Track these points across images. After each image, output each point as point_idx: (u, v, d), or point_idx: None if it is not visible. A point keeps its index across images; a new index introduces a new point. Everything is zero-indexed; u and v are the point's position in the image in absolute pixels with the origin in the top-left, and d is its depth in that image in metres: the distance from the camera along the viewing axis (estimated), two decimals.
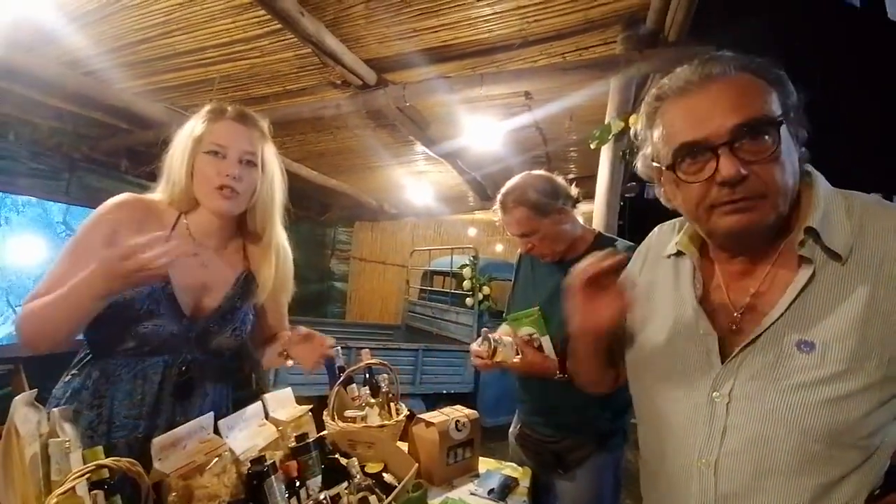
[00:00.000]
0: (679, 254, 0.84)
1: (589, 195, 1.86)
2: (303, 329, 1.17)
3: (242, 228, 1.15)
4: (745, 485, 0.66)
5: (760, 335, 0.68)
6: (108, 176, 3.78)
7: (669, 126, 0.71)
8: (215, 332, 1.07)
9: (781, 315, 0.67)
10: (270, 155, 1.12)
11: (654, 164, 0.76)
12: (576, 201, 1.43)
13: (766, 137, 0.64)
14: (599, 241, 1.46)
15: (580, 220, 1.47)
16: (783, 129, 0.65)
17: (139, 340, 0.99)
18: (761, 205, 0.66)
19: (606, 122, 2.32)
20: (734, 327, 0.72)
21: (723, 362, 0.71)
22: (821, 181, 0.72)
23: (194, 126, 1.04)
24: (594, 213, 2.35)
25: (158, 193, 1.08)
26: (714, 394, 0.70)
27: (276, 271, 1.15)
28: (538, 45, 2.54)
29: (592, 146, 2.32)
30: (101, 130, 3.59)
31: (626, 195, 3.09)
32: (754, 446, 0.66)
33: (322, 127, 3.89)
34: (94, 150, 3.70)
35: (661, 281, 0.86)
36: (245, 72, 2.91)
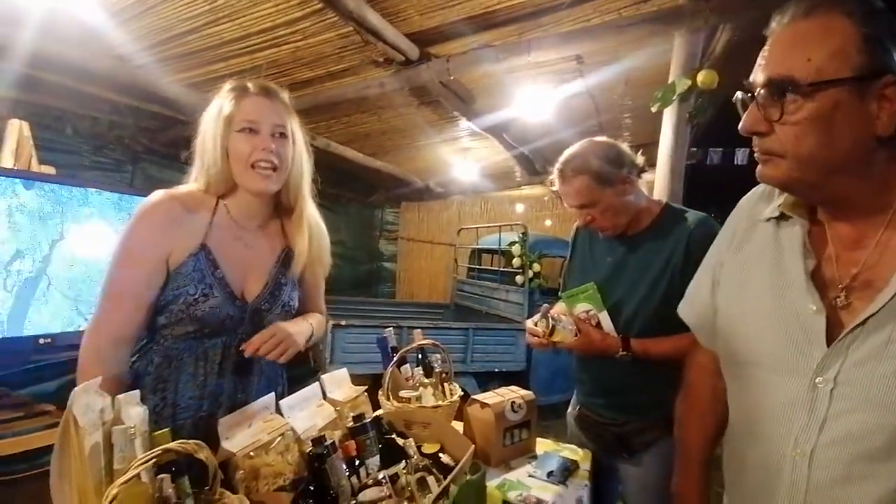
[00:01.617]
0: (782, 218, 0.74)
1: (648, 164, 1.71)
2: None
3: (278, 206, 1.15)
4: (840, 474, 0.62)
5: (874, 315, 0.60)
6: (170, 167, 3.96)
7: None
8: (266, 310, 1.09)
9: None
10: (297, 127, 1.10)
11: None
12: (641, 170, 1.31)
13: (789, 98, 0.61)
14: (667, 214, 1.33)
15: (644, 190, 1.35)
16: (842, 92, 0.58)
17: (199, 324, 1.02)
18: (779, 163, 0.65)
19: (670, 80, 2.12)
20: (842, 304, 0.64)
21: (828, 344, 0.63)
22: None
23: (221, 106, 1.02)
24: (656, 180, 2.18)
25: (192, 183, 1.07)
26: (818, 379, 0.64)
27: (310, 244, 1.15)
28: (590, 1, 2.34)
29: (654, 109, 2.14)
30: (158, 122, 3.77)
31: (687, 162, 2.86)
32: (855, 435, 0.61)
33: (366, 107, 3.88)
34: (153, 141, 3.90)
35: (758, 250, 0.76)
36: (289, 56, 2.92)
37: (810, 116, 0.60)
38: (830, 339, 0.64)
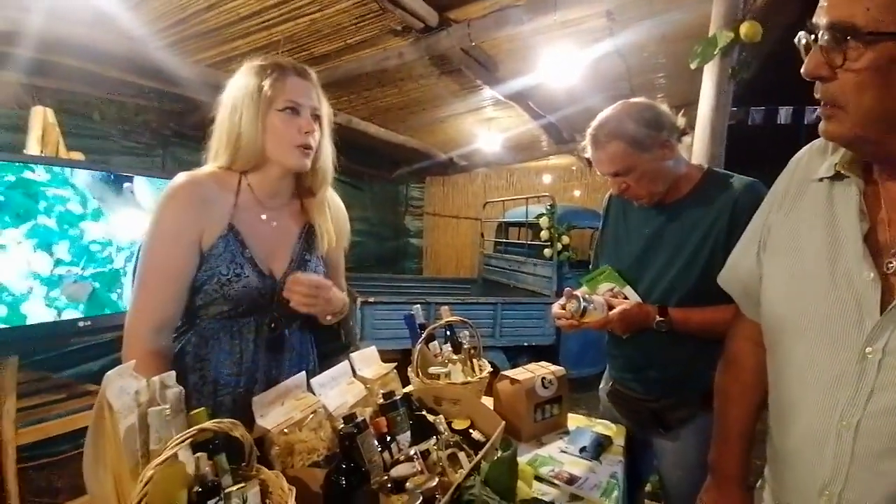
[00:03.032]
0: (837, 177, 0.69)
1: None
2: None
3: (298, 184, 1.16)
4: (885, 447, 0.61)
5: None
6: (199, 149, 3.96)
7: None
8: None
9: None
10: (326, 107, 1.12)
11: None
12: (682, 133, 1.22)
13: (850, 44, 0.58)
14: (709, 180, 1.24)
15: (684, 155, 1.26)
16: (890, 45, 0.55)
17: (233, 303, 1.03)
18: (843, 118, 0.62)
19: (710, 34, 1.96)
20: (894, 270, 0.62)
21: (881, 312, 0.61)
22: None
23: (259, 84, 1.01)
24: (694, 143, 2.04)
25: (214, 161, 1.07)
26: (867, 349, 0.61)
27: (332, 225, 1.17)
28: None
29: (693, 65, 1.98)
30: (183, 105, 3.80)
31: (727, 122, 2.68)
32: None
33: (386, 80, 3.80)
34: (181, 125, 3.94)
35: (810, 211, 0.72)
36: (306, 29, 2.86)
37: (871, 66, 0.58)
38: (882, 307, 0.62)
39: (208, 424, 0.69)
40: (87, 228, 2.00)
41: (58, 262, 1.89)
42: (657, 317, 1.19)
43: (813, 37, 0.62)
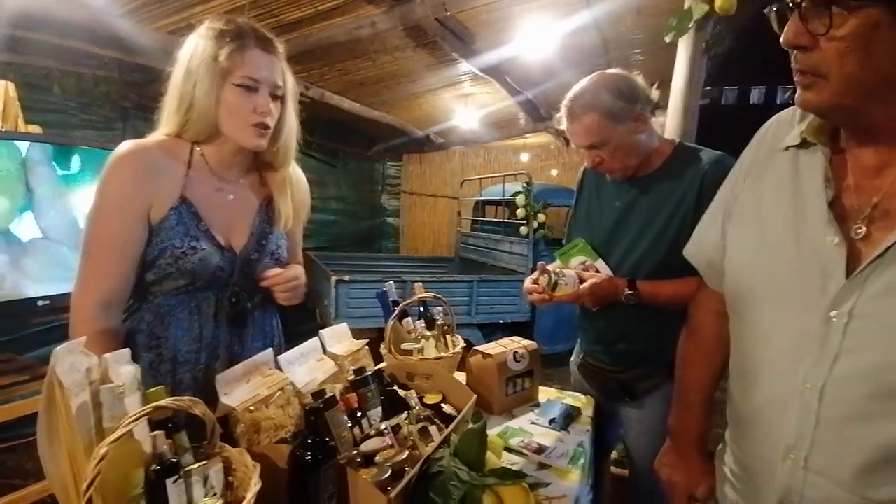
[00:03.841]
0: (803, 145, 0.70)
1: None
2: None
3: (258, 157, 1.10)
4: (853, 411, 0.61)
5: (893, 245, 0.58)
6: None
7: None
8: (256, 260, 1.08)
9: None
10: (291, 83, 1.06)
11: None
12: (656, 106, 1.21)
13: (835, 9, 0.56)
14: (680, 153, 1.25)
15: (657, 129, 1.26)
16: (883, 14, 0.54)
17: (190, 277, 0.99)
18: (822, 86, 0.61)
19: (686, 6, 1.94)
20: (861, 235, 0.62)
21: (847, 277, 0.61)
22: None
23: (215, 54, 0.94)
24: (668, 118, 2.05)
25: (163, 127, 1.01)
26: (832, 313, 0.61)
27: (293, 200, 1.14)
28: None
29: (668, 39, 1.97)
30: (144, 75, 3.60)
31: (700, 101, 2.70)
32: (870, 370, 0.60)
33: (360, 52, 3.67)
34: (142, 96, 3.74)
35: (776, 180, 0.72)
36: None
37: (854, 33, 0.57)
38: (848, 273, 0.61)
39: (164, 402, 0.67)
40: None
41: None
42: (626, 290, 1.21)
43: (791, 4, 0.60)
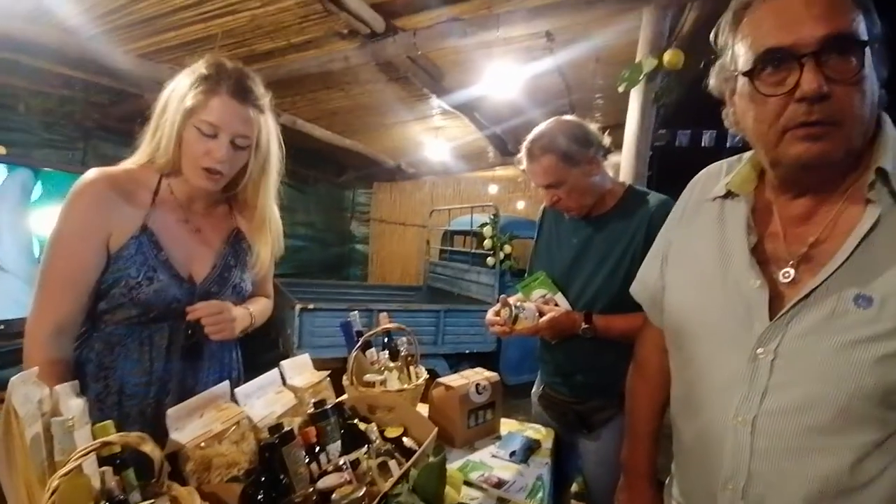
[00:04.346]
0: (728, 196, 0.75)
1: (616, 145, 1.72)
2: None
3: (227, 190, 1.10)
4: (787, 445, 0.64)
5: (816, 289, 0.62)
6: (124, 143, 3.69)
7: (756, 28, 0.63)
8: (216, 293, 1.06)
9: (840, 266, 0.61)
10: (267, 130, 1.04)
11: (732, 70, 0.67)
12: (607, 151, 1.31)
13: (853, 58, 0.58)
14: (630, 195, 1.34)
15: (610, 172, 1.35)
16: (868, 56, 0.58)
17: (143, 308, 0.97)
18: (835, 133, 0.60)
19: (637, 60, 2.11)
20: (788, 279, 0.66)
21: (772, 318, 0.65)
22: (890, 124, 0.65)
23: (186, 93, 0.95)
24: (622, 162, 2.19)
25: (136, 156, 1.01)
26: (759, 350, 0.65)
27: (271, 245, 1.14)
28: None
29: (621, 89, 2.13)
30: (110, 96, 3.55)
31: (656, 143, 2.89)
32: (798, 405, 0.63)
33: (333, 83, 3.74)
34: (106, 117, 3.67)
35: (704, 227, 0.78)
36: (246, 25, 2.75)
37: (863, 77, 0.58)
38: (773, 314, 0.65)
39: (112, 437, 0.65)
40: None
41: None
42: (583, 324, 1.26)
43: (803, 56, 0.58)
